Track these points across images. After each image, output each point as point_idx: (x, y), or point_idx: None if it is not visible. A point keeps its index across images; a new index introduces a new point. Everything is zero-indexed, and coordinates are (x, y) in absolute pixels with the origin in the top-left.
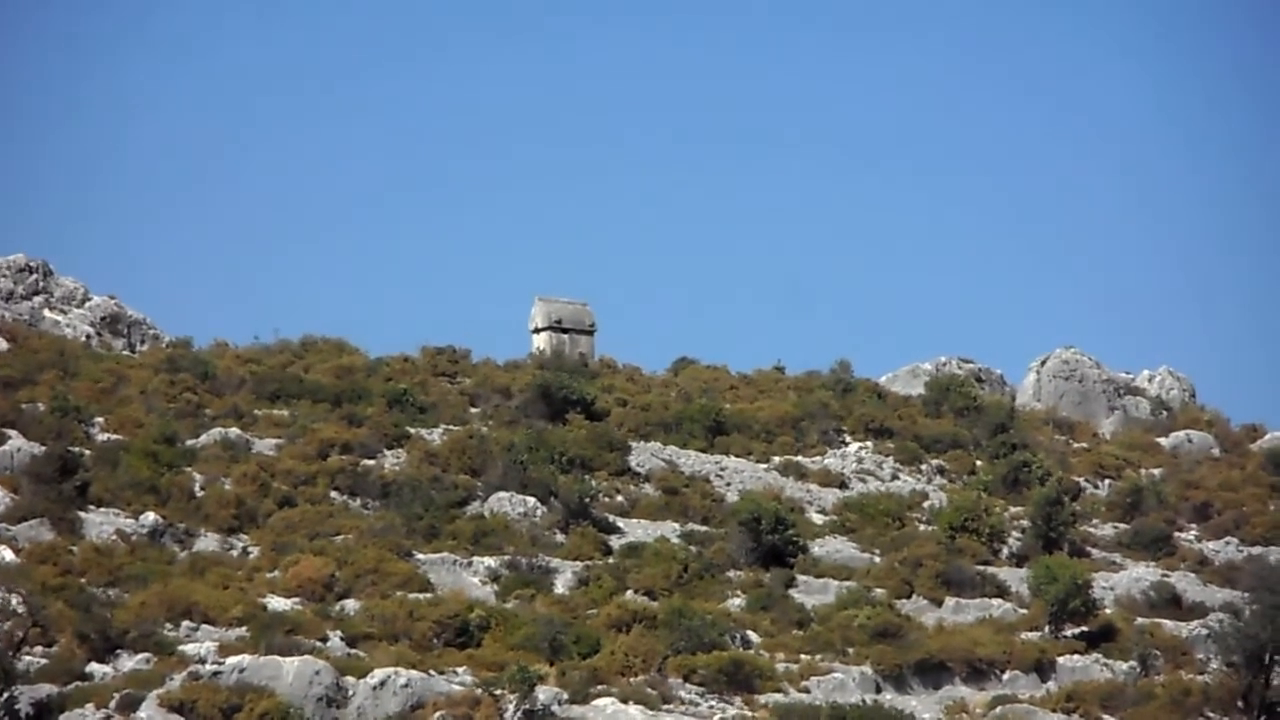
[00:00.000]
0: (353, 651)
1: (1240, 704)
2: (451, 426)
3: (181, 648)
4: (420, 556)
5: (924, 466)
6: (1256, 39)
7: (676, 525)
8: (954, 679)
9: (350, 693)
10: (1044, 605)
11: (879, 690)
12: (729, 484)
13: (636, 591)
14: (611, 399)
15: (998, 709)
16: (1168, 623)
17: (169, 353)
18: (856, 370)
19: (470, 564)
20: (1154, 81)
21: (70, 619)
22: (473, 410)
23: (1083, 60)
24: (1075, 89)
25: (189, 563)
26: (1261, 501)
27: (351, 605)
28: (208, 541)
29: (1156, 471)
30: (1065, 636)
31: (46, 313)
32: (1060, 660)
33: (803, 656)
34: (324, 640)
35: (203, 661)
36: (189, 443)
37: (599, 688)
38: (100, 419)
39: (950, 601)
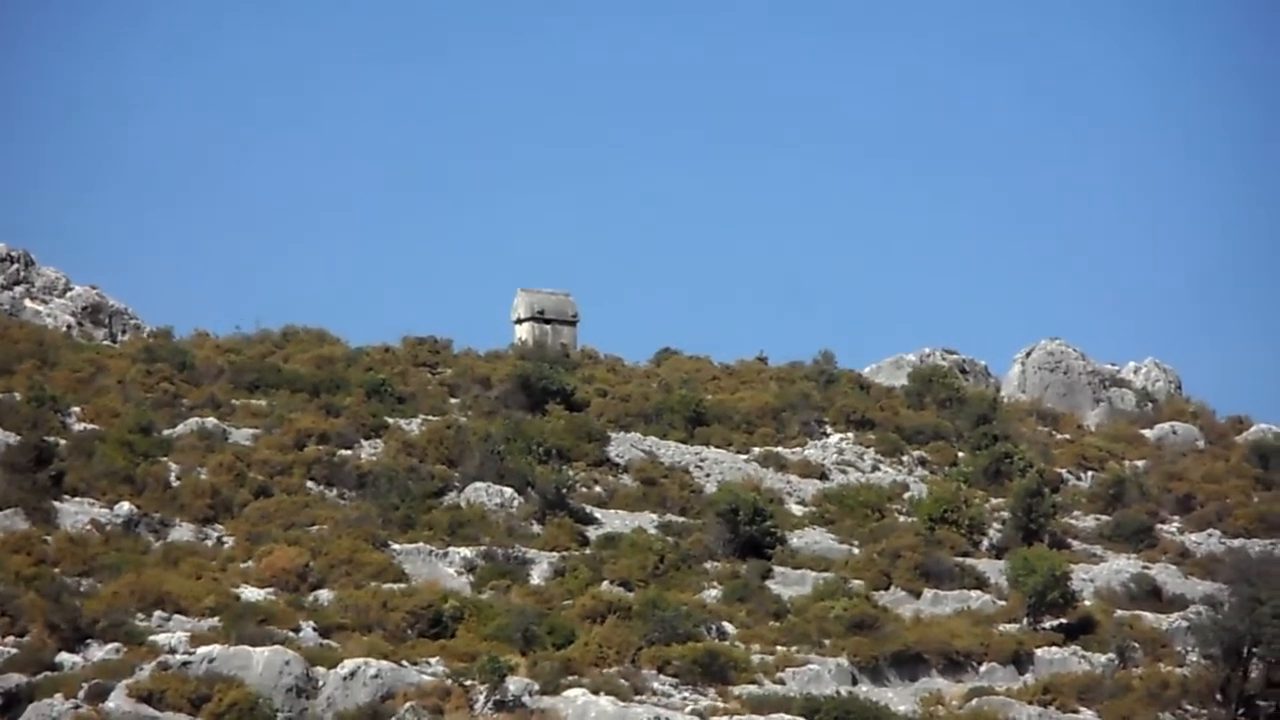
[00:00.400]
0: (325, 642)
1: (1218, 696)
2: (430, 417)
3: (152, 638)
4: (396, 547)
5: (905, 458)
6: (1234, 22)
7: (654, 516)
8: (930, 671)
9: (320, 683)
10: (1022, 597)
11: (855, 682)
12: (708, 475)
13: (612, 582)
14: (592, 389)
15: (974, 701)
16: (1148, 615)
17: (147, 342)
18: (841, 362)
19: (446, 554)
20: (1144, 72)
21: (41, 609)
22: (452, 401)
23: (1070, 52)
24: (1064, 81)
25: (163, 553)
26: (1245, 494)
27: (325, 595)
28: (182, 531)
29: (1140, 463)
30: (1044, 629)
31: (27, 303)
32: (1038, 652)
33: (778, 648)
34: (296, 630)
35: (173, 651)
36: (165, 433)
37: (570, 678)
38: (77, 409)
39: (928, 593)
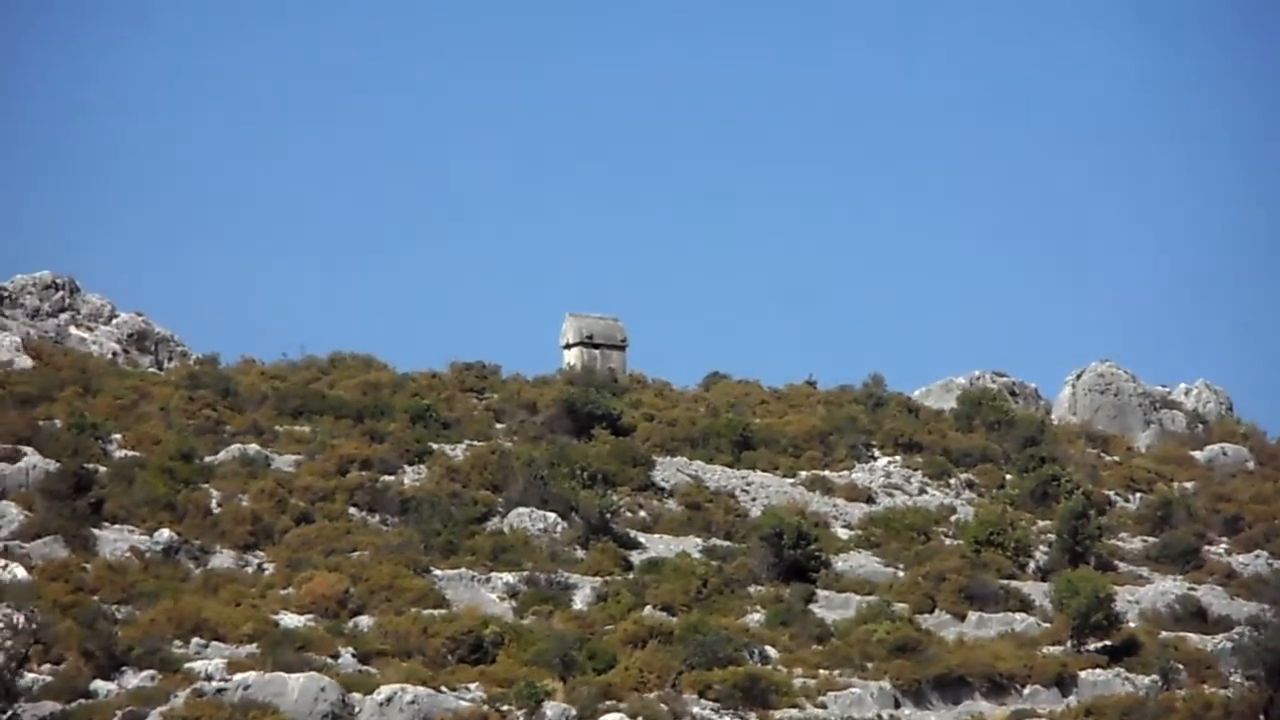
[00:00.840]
0: (364, 668)
1: (1261, 718)
2: (475, 443)
3: (189, 665)
4: (438, 573)
5: (953, 481)
6: None
7: (699, 540)
8: (974, 694)
9: (357, 709)
10: (1066, 619)
11: (897, 705)
12: (754, 499)
13: (655, 607)
14: (639, 414)
15: None
16: (1193, 636)
17: (191, 369)
18: (891, 385)
19: (488, 580)
20: (1197, 95)
21: (77, 636)
22: (498, 426)
23: (1120, 75)
24: (1128, 108)
25: (202, 580)
26: None
27: (365, 622)
28: (223, 558)
29: (1189, 485)
30: (1088, 651)
31: (73, 330)
32: (1082, 674)
33: (821, 672)
34: (335, 657)
35: (209, 679)
36: (207, 459)
37: (608, 703)
38: (118, 436)
39: (973, 616)
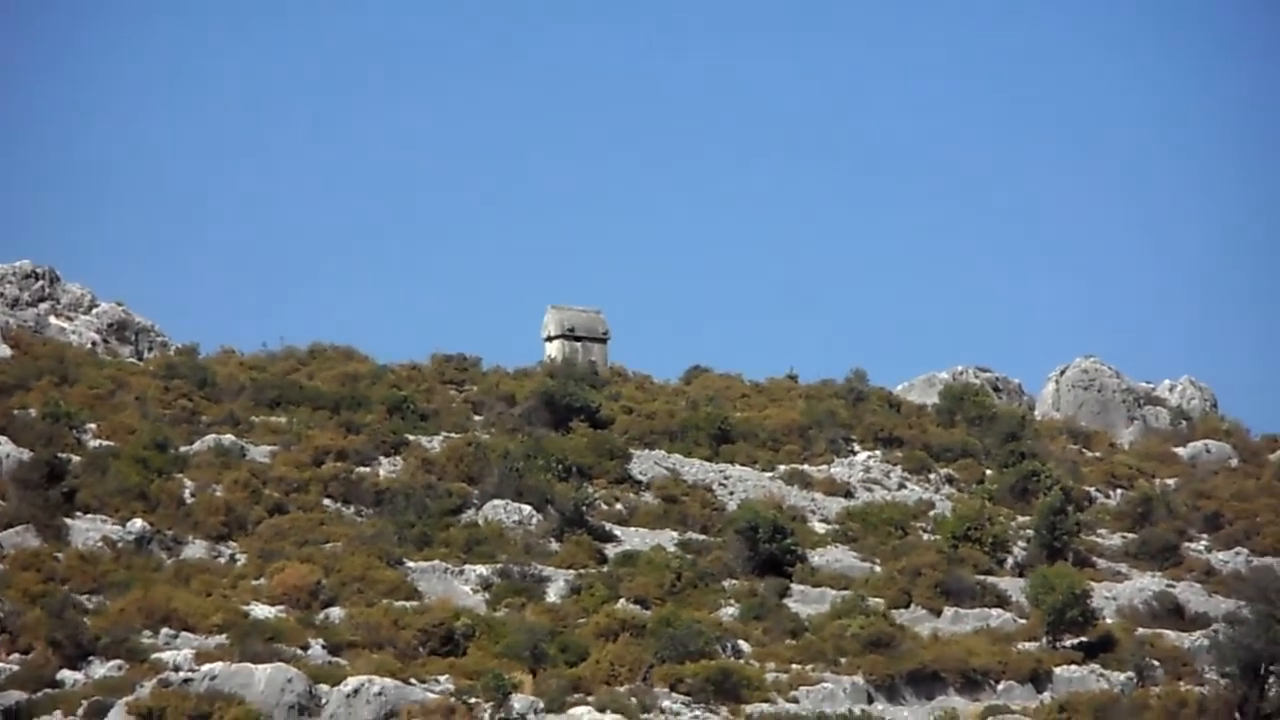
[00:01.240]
0: (333, 659)
1: (1236, 715)
2: (453, 435)
3: (156, 655)
4: (411, 565)
5: (932, 476)
6: None
7: (675, 534)
8: (948, 690)
9: (323, 700)
10: (1042, 615)
11: (870, 700)
12: (732, 493)
13: (629, 600)
14: (618, 407)
15: (988, 719)
16: (1169, 633)
17: (169, 359)
18: (874, 380)
19: (462, 572)
20: (1180, 95)
21: (46, 625)
22: (476, 418)
23: (1105, 70)
24: (1106, 100)
25: (174, 570)
26: (1275, 511)
27: (336, 613)
28: (195, 549)
29: (1171, 481)
30: (1064, 647)
31: (53, 319)
32: (1057, 671)
33: (793, 666)
34: (305, 648)
35: (176, 669)
36: (182, 449)
37: (576, 696)
38: (92, 425)
39: (949, 611)
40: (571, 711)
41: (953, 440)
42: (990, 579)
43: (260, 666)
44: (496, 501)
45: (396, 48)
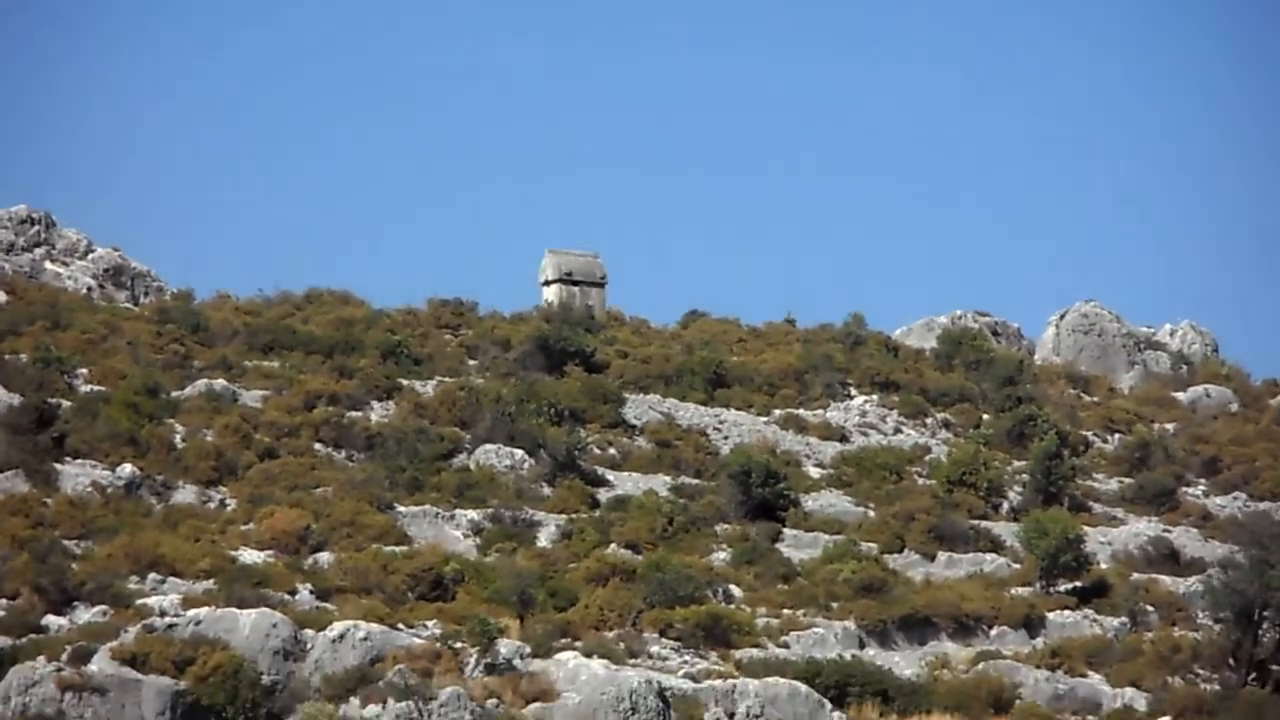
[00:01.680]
0: (321, 604)
1: (1230, 660)
2: (446, 379)
3: (141, 600)
4: (401, 509)
5: (929, 420)
6: None
7: (668, 479)
8: (940, 635)
9: (309, 645)
10: (1036, 560)
11: (862, 646)
12: (726, 437)
13: (620, 545)
14: (613, 351)
15: (980, 664)
16: (1165, 579)
17: (163, 304)
18: (873, 324)
19: (453, 517)
20: (1181, 30)
21: (31, 570)
22: (471, 363)
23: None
24: (1101, 40)
25: (163, 515)
26: (1273, 456)
27: (325, 558)
28: (186, 494)
29: (1170, 426)
30: (1057, 592)
31: (48, 265)
32: (1050, 616)
33: (784, 611)
34: (293, 593)
35: (161, 614)
36: (174, 394)
37: (563, 641)
38: (84, 370)
39: (942, 556)
40: (558, 656)
41: (950, 385)
42: (985, 524)
43: (245, 612)
44: (488, 446)
45: (396, 8)
